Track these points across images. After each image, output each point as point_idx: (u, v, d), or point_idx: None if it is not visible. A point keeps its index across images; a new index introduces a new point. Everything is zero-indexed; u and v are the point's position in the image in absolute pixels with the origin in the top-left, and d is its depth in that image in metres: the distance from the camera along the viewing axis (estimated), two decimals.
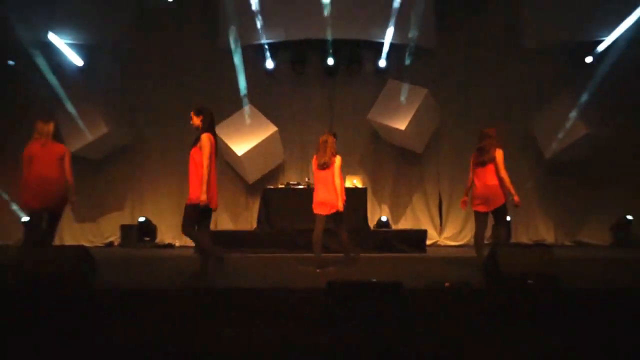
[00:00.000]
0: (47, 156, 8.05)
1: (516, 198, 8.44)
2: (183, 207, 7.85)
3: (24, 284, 6.36)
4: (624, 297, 5.95)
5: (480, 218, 8.74)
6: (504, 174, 8.43)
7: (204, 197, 7.11)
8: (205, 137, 7.25)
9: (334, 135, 8.97)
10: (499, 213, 8.52)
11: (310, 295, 5.85)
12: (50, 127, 8.13)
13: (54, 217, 8.23)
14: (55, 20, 12.63)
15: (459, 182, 13.53)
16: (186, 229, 7.30)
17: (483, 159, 8.63)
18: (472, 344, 4.71)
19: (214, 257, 7.45)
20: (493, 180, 8.47)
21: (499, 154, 8.49)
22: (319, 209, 8.85)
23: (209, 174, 7.20)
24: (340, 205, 8.62)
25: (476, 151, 8.84)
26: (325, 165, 8.72)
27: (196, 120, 7.41)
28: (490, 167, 8.51)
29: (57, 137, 8.33)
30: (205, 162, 7.17)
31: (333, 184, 8.68)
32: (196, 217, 7.32)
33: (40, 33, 12.43)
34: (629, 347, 4.45)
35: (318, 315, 5.30)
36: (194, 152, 7.30)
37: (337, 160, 8.72)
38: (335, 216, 8.80)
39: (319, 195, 8.82)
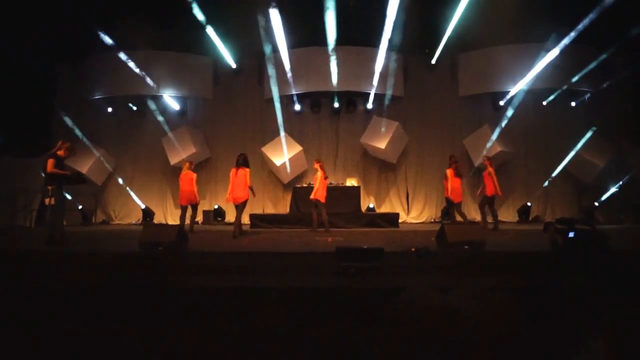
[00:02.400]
0: (185, 179, 10.05)
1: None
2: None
3: (145, 249, 6.50)
4: (525, 254, 6.02)
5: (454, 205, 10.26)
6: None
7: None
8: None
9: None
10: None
11: (324, 256, 5.94)
12: (187, 165, 10.33)
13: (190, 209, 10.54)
14: (162, 79, 12.78)
15: (419, 181, 13.60)
16: None
17: (460, 173, 10.15)
18: (431, 288, 4.77)
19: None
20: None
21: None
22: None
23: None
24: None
25: (453, 169, 10.08)
26: (326, 178, 10.44)
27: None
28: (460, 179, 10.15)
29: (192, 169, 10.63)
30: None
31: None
32: None
33: (152, 87, 12.58)
34: (529, 284, 4.49)
35: (329, 269, 5.36)
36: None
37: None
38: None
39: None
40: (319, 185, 10.16)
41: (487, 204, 10.55)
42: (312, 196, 10.15)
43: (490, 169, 10.43)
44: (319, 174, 10.26)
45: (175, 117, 13.66)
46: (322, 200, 10.18)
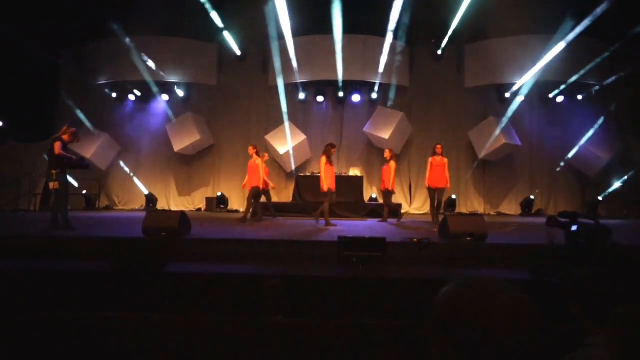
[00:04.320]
0: (252, 167, 9.52)
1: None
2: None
3: (148, 234, 6.51)
4: (526, 247, 6.00)
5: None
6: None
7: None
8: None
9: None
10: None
11: (326, 245, 5.93)
12: (252, 151, 9.60)
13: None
14: (166, 65, 12.73)
15: (422, 173, 13.51)
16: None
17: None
18: (432, 278, 4.79)
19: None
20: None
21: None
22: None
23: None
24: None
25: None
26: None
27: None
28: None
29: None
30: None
31: None
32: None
33: (156, 73, 12.54)
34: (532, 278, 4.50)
35: (332, 258, 5.37)
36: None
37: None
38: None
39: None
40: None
41: (386, 197, 10.07)
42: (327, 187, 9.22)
43: (392, 163, 9.94)
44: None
45: (180, 103, 13.66)
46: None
